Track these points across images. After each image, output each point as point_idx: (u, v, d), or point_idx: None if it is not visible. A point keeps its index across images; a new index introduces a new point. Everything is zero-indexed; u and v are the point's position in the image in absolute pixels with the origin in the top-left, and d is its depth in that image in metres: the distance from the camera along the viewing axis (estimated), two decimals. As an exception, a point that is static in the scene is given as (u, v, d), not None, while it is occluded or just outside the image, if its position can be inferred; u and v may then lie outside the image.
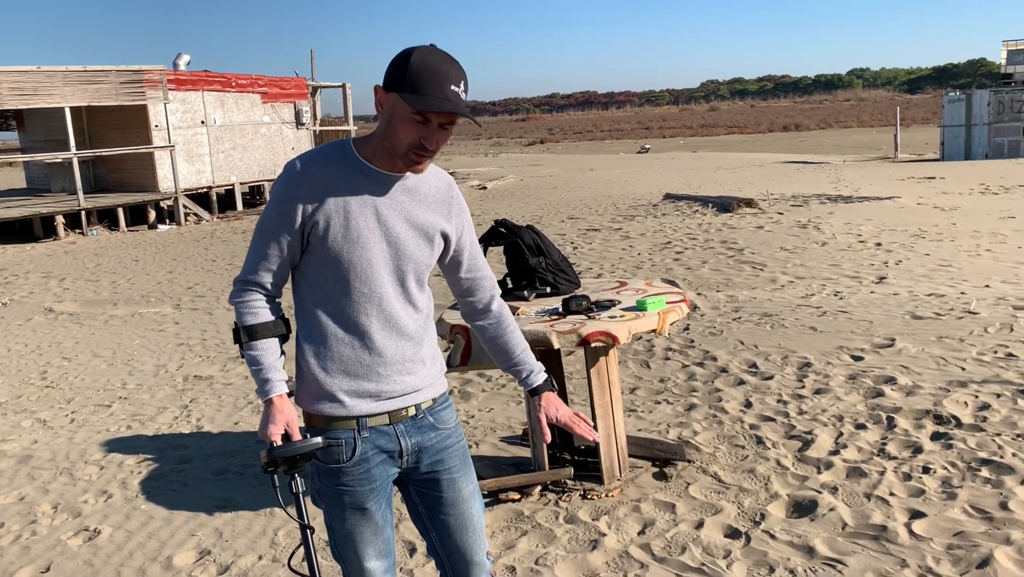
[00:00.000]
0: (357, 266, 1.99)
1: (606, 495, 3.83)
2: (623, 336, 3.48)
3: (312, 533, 2.01)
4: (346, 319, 2.02)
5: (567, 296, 3.81)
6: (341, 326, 2.02)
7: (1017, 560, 3.03)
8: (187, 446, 4.94)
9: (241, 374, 6.43)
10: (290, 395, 2.04)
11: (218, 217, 20.09)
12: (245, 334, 2.01)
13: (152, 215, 18.90)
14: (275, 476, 1.97)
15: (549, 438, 2.21)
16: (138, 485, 4.40)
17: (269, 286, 2.04)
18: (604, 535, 3.47)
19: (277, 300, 2.09)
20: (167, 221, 19.27)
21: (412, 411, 2.10)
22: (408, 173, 2.04)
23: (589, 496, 3.82)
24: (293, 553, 2.15)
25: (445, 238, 2.12)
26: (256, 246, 2.02)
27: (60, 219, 17.17)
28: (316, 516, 2.36)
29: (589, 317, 3.64)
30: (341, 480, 2.04)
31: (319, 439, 1.97)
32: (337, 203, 1.96)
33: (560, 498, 3.83)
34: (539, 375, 2.25)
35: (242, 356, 2.02)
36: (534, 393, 2.24)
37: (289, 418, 1.97)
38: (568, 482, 3.92)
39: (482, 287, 2.24)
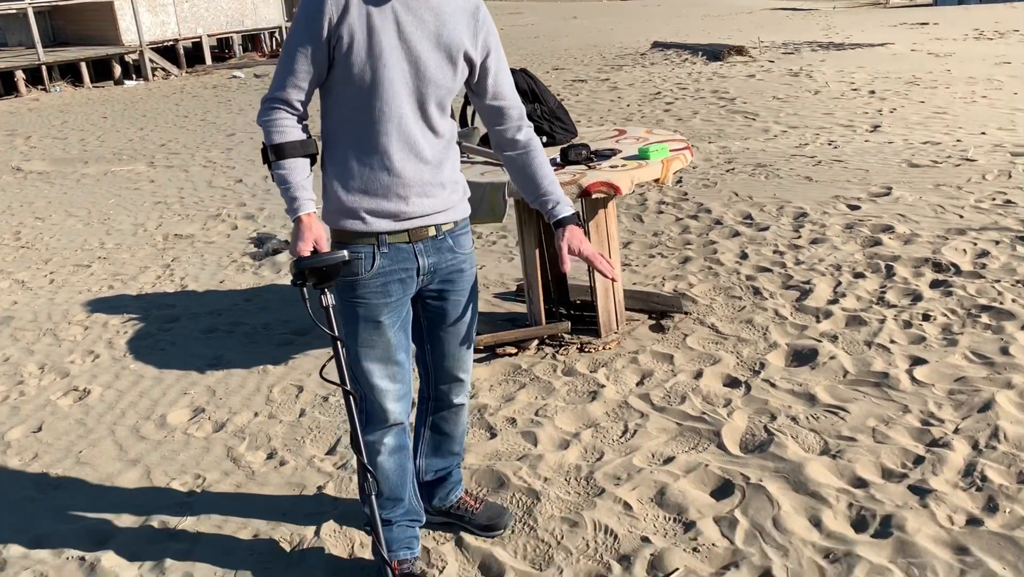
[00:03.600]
0: (378, 84, 1.97)
1: (603, 348, 3.78)
2: (625, 186, 3.33)
3: (342, 345, 2.03)
4: (366, 139, 2.02)
5: (565, 145, 3.63)
6: (362, 146, 2.02)
7: (1018, 403, 3.03)
8: (172, 305, 4.84)
9: (223, 232, 6.26)
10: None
11: (187, 72, 19.26)
12: (273, 153, 2.01)
13: (118, 70, 18.08)
14: (304, 289, 2.00)
15: (568, 267, 2.18)
16: (125, 345, 4.32)
17: (297, 104, 2.02)
18: (603, 386, 3.44)
19: (305, 121, 2.06)
20: (134, 76, 18.46)
21: (432, 231, 2.13)
22: None
23: (586, 349, 3.78)
24: (325, 365, 2.21)
25: (469, 61, 2.08)
26: (284, 63, 1.98)
27: (20, 74, 16.39)
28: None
29: (589, 167, 3.47)
30: (357, 292, 2.09)
31: (344, 252, 2.00)
32: (361, 16, 1.93)
33: (557, 352, 3.78)
34: (566, 207, 2.22)
35: (271, 175, 2.02)
36: (559, 225, 2.20)
37: (317, 234, 1.98)
38: (565, 336, 3.87)
39: (509, 116, 2.20)
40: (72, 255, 6.00)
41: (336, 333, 2.01)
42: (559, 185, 2.24)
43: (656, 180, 3.46)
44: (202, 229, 6.41)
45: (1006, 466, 2.67)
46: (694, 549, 2.42)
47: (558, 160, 3.56)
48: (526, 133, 2.22)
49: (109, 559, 2.60)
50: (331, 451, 3.15)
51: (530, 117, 3.83)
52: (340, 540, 2.62)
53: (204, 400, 3.66)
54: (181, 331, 4.45)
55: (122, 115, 13.04)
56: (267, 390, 3.70)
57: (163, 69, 18.75)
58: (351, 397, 2.02)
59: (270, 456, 3.16)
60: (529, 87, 3.83)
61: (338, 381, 2.04)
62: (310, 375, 3.81)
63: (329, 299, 2.00)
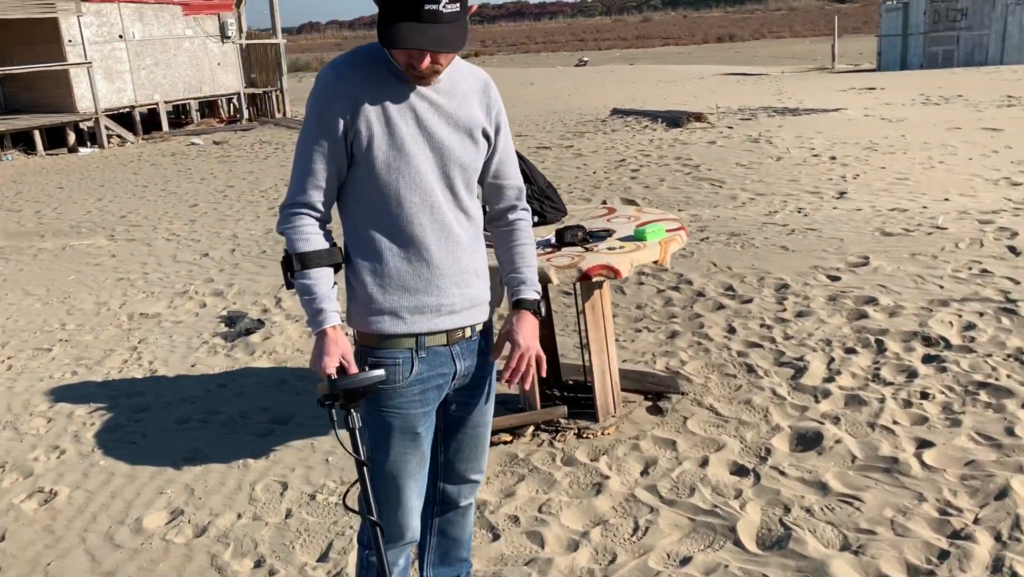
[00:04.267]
0: (406, 175, 1.89)
1: (602, 433, 3.66)
2: (625, 269, 3.25)
3: (369, 470, 1.87)
4: (400, 232, 1.92)
5: (561, 227, 3.55)
6: (396, 240, 1.92)
7: (1033, 489, 2.96)
8: (142, 392, 4.61)
9: (191, 311, 6.04)
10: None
11: (143, 138, 19.04)
12: (298, 262, 1.90)
13: (72, 137, 17.80)
14: (332, 410, 1.84)
15: (495, 358, 2.12)
16: (92, 438, 4.08)
17: (320, 206, 1.93)
18: (607, 477, 3.30)
19: (328, 226, 1.98)
20: (88, 143, 18.18)
21: (468, 332, 2.03)
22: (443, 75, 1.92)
23: (584, 435, 3.65)
24: (348, 490, 2.16)
25: (487, 137, 2.01)
26: (300, 165, 1.91)
27: (-29, 143, 16.03)
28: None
29: (586, 249, 3.39)
30: (394, 401, 1.97)
31: (381, 371, 1.87)
32: (377, 109, 1.86)
33: (554, 438, 3.65)
34: (531, 291, 2.11)
35: (290, 286, 1.91)
36: (516, 306, 2.10)
37: (344, 349, 1.86)
38: (561, 421, 3.74)
39: (504, 196, 2.16)
40: (31, 337, 5.72)
41: (363, 457, 1.86)
42: (536, 272, 2.17)
43: (655, 262, 3.39)
44: (169, 307, 6.18)
45: (1034, 560, 2.59)
46: (726, 664, 2.27)
47: (553, 241, 3.48)
48: (519, 214, 2.19)
49: None
50: (323, 557, 2.96)
51: (522, 198, 3.77)
52: (341, 662, 2.42)
53: (182, 500, 3.44)
54: (153, 421, 4.22)
55: (79, 185, 12.76)
56: (249, 488, 3.50)
57: (119, 136, 18.51)
58: (379, 529, 1.86)
59: (258, 564, 2.95)
60: (520, 168, 3.75)
61: (360, 510, 1.91)
62: (293, 470, 3.61)
63: (356, 420, 1.85)
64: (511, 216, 2.17)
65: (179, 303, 6.27)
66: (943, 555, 2.65)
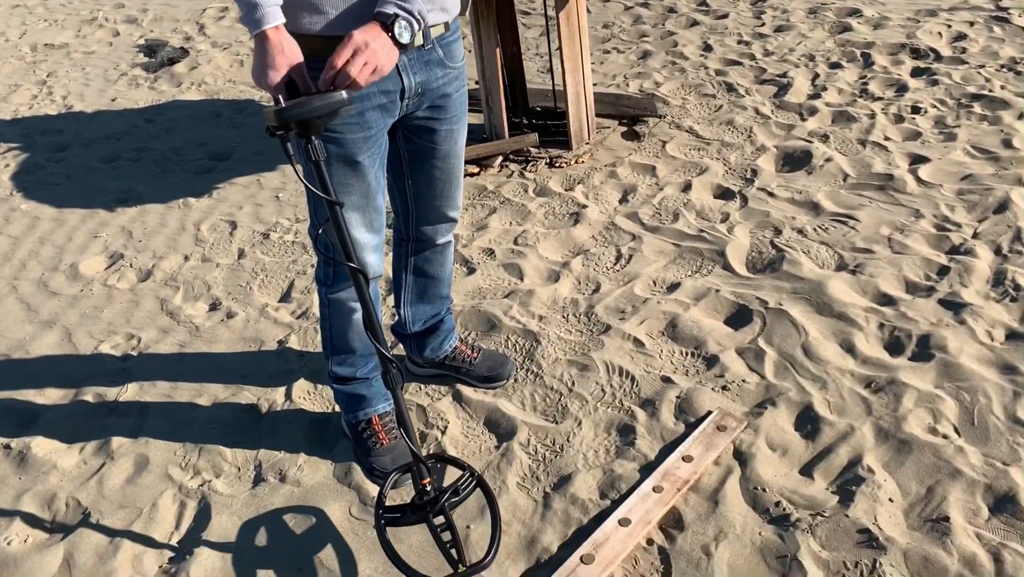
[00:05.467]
0: None
1: (576, 161, 3.38)
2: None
3: (341, 208, 1.54)
4: None
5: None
6: None
7: (1032, 202, 2.83)
8: (59, 130, 4.13)
9: (103, 40, 5.37)
10: None
11: None
12: None
13: None
14: (286, 143, 1.47)
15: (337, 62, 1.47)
16: (10, 181, 3.67)
17: None
18: (584, 207, 3.07)
19: None
20: None
21: (420, 39, 1.60)
22: None
23: (557, 164, 3.37)
24: (320, 230, 1.76)
25: None
26: None
27: None
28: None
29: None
30: (328, 124, 1.53)
31: (343, 93, 1.45)
32: None
33: (525, 168, 3.37)
34: (390, 5, 1.50)
35: None
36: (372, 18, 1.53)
37: (292, 57, 1.47)
38: (532, 150, 3.44)
39: None
40: (-78, 74, 5.07)
41: (333, 195, 1.53)
42: None
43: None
44: (77, 37, 5.49)
45: (1036, 272, 2.49)
46: (723, 388, 2.18)
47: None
48: None
49: (41, 445, 2.20)
50: (285, 297, 2.74)
51: None
52: (317, 400, 2.27)
53: (120, 243, 3.14)
54: (75, 161, 3.80)
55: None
56: (194, 228, 3.20)
57: None
58: (360, 276, 1.57)
59: (213, 307, 2.72)
60: None
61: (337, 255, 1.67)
62: (241, 208, 3.31)
63: (320, 150, 1.50)
64: None
65: (88, 32, 5.57)
66: (943, 271, 2.53)
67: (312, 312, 2.63)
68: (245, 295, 2.76)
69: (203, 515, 1.93)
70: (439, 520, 1.62)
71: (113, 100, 4.44)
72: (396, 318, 2.23)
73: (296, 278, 2.82)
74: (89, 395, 2.36)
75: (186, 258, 3.00)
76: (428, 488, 1.63)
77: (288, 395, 2.29)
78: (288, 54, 1.47)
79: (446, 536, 1.60)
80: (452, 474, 1.99)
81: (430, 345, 2.23)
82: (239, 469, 2.06)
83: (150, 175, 3.62)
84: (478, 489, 1.70)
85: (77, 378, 2.44)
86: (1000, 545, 1.67)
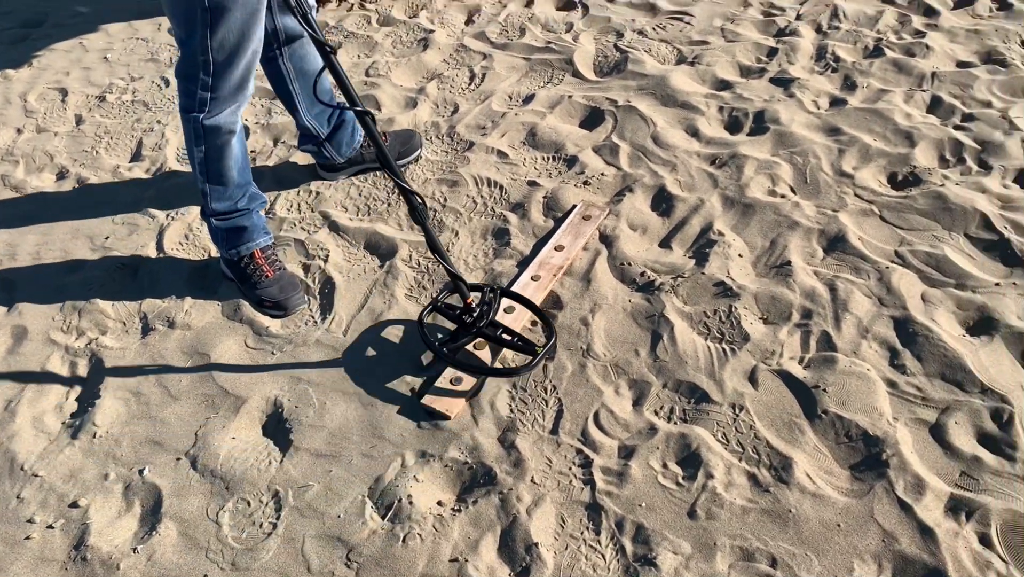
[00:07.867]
0: None
1: None
2: None
3: (332, 52, 1.54)
4: None
5: None
6: None
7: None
8: None
9: None
10: None
11: None
12: None
13: None
14: None
15: None
16: None
17: None
18: (431, 32, 3.06)
19: None
20: None
21: None
22: None
23: None
24: (319, 76, 1.83)
25: None
26: None
27: None
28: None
29: None
30: None
31: None
32: None
33: (364, 0, 3.29)
34: None
35: None
36: None
37: None
38: (368, -21, 3.35)
39: None
40: None
41: (322, 37, 1.52)
42: None
43: None
44: None
45: (852, 43, 2.70)
46: (584, 183, 2.31)
47: None
48: None
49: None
50: (136, 157, 2.65)
51: None
52: (191, 249, 2.26)
53: (-60, 126, 2.91)
54: None
55: None
56: (20, 100, 2.99)
57: None
58: (369, 118, 1.60)
59: (61, 176, 2.61)
60: None
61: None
62: (68, 73, 3.11)
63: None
64: None
65: None
66: (772, 52, 2.71)
67: (168, 167, 2.56)
68: (93, 160, 2.65)
69: (97, 370, 1.94)
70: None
71: None
72: (300, 135, 2.28)
73: (144, 136, 2.72)
74: (-55, 279, 2.26)
75: (19, 131, 2.83)
76: (473, 306, 1.82)
77: (160, 248, 2.27)
78: None
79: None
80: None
81: (344, 141, 2.33)
82: (124, 323, 2.06)
83: None
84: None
85: (-73, 265, 2.32)
86: (834, 277, 1.91)
